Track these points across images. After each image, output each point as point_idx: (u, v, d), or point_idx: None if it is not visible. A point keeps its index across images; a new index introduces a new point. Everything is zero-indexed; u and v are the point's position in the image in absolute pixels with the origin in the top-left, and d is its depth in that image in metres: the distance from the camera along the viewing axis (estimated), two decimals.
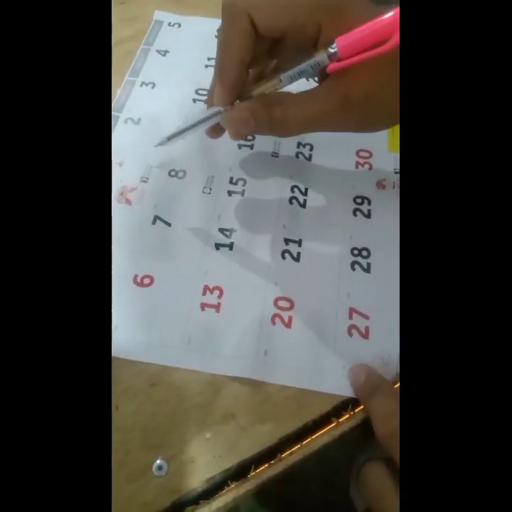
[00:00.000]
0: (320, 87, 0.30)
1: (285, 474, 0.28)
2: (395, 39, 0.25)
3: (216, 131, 0.34)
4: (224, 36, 0.29)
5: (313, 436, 0.28)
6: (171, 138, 0.33)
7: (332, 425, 0.29)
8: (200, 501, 0.27)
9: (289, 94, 0.30)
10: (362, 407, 0.29)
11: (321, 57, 0.28)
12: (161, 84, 0.44)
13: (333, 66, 0.28)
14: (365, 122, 0.31)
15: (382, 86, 0.28)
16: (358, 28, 0.27)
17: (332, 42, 0.27)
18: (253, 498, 0.27)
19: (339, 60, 0.28)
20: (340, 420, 0.29)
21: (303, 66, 0.29)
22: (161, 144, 0.34)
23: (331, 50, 0.27)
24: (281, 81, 0.30)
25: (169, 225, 0.36)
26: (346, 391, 0.30)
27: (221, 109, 0.30)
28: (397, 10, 0.25)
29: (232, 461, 0.28)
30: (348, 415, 0.29)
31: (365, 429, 0.29)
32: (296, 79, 0.30)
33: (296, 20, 0.28)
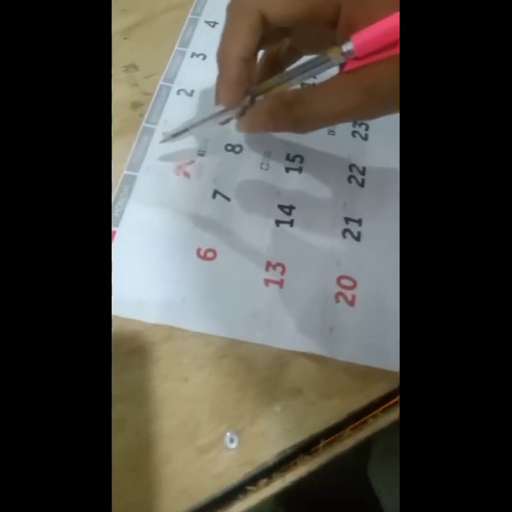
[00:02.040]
0: (341, 77, 0.27)
1: (355, 449, 0.28)
2: None
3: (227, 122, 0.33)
4: (227, 31, 0.28)
5: (382, 413, 0.29)
6: (176, 135, 0.33)
7: (398, 402, 0.29)
8: (273, 475, 0.27)
9: (308, 89, 0.28)
10: None
11: (335, 56, 0.26)
12: (211, 56, 0.43)
13: (350, 65, 0.26)
14: (392, 108, 0.28)
15: None
16: (376, 22, 0.24)
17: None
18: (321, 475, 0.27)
19: (356, 58, 0.25)
20: None
21: (316, 69, 0.28)
22: (165, 140, 0.34)
23: (346, 49, 0.25)
24: (292, 83, 0.29)
25: (229, 199, 0.35)
26: None
27: (226, 106, 0.30)
28: None
29: (302, 435, 0.28)
30: None
31: None
32: (308, 78, 0.29)
33: (313, 3, 0.26)
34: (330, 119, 0.29)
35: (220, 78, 0.29)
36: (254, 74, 0.31)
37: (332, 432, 0.28)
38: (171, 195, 0.35)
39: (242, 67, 0.28)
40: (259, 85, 0.30)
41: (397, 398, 0.29)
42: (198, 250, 0.33)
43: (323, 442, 0.28)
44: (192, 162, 0.37)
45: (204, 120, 0.31)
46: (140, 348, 0.30)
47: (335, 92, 0.27)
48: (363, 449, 0.30)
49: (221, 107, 0.30)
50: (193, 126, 0.33)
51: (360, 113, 0.29)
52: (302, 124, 0.29)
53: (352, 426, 0.28)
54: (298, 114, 0.28)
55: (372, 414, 0.29)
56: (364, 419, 0.29)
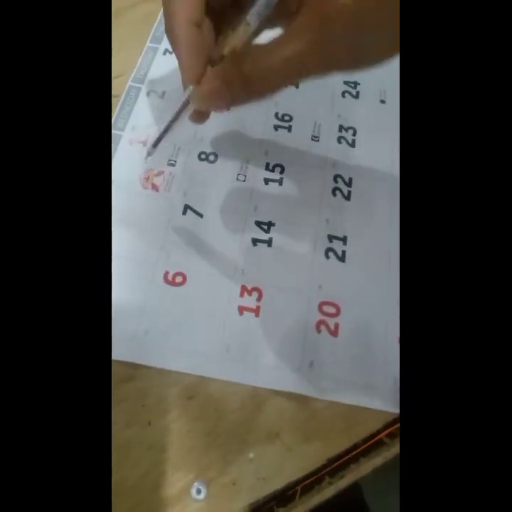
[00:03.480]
0: (292, 23, 0.23)
1: (336, 498, 0.25)
2: None
3: (200, 115, 0.28)
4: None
5: (364, 458, 0.26)
6: (156, 144, 0.28)
7: (384, 445, 0.27)
8: None
9: (258, 44, 0.24)
10: None
11: None
12: None
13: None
14: (356, 50, 0.23)
15: None
16: None
17: None
18: None
19: None
20: (393, 440, 0.27)
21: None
22: (150, 154, 0.28)
23: None
24: (248, 24, 0.24)
25: (201, 216, 0.32)
26: (398, 407, 0.27)
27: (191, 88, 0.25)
28: None
29: (277, 483, 0.25)
30: (399, 434, 0.27)
31: None
32: (264, 14, 0.24)
33: None
34: (286, 70, 0.23)
35: (178, 55, 0.24)
36: (210, 39, 0.26)
37: (311, 480, 0.26)
38: (137, 211, 0.32)
39: (195, 33, 0.24)
40: (214, 48, 0.25)
41: (382, 440, 0.27)
42: (166, 274, 0.30)
43: (300, 488, 0.25)
44: (161, 173, 0.33)
45: (177, 114, 0.26)
46: None
47: (286, 36, 0.23)
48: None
49: (187, 92, 0.25)
50: (169, 126, 0.27)
51: (321, 55, 0.23)
52: (255, 84, 0.24)
53: (332, 472, 0.26)
54: (249, 70, 0.23)
55: (354, 457, 0.26)
56: (345, 463, 0.26)
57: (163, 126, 0.27)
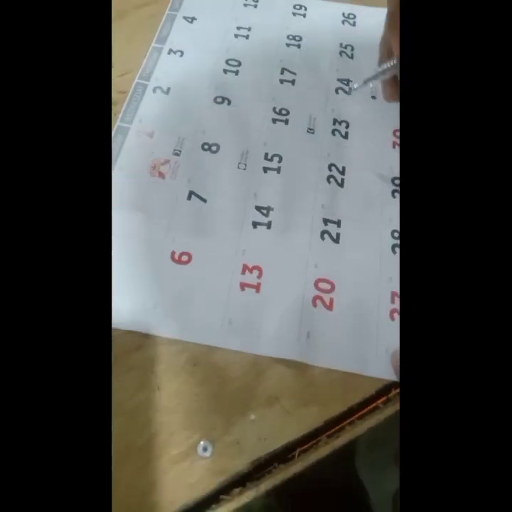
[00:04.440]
0: None
1: (332, 457, 0.27)
2: None
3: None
4: None
5: (359, 420, 0.28)
6: (367, 81, 0.35)
7: (376, 409, 0.29)
8: (247, 483, 0.26)
9: None
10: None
11: None
12: (189, 53, 0.42)
13: None
14: None
15: None
16: None
17: None
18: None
19: None
20: (385, 404, 0.29)
21: None
22: (354, 89, 0.36)
23: None
24: None
25: (205, 201, 0.34)
26: (389, 375, 0.29)
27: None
28: None
29: (277, 443, 0.27)
30: (390, 399, 0.29)
31: None
32: None
33: None
34: None
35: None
36: None
37: (308, 440, 0.28)
38: (145, 197, 0.34)
39: None
40: None
41: (375, 404, 0.29)
42: (173, 254, 0.32)
43: (299, 450, 0.27)
44: (167, 162, 0.36)
45: (383, 72, 0.34)
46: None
47: None
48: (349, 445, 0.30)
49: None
50: (376, 77, 0.34)
51: None
52: None
53: (329, 433, 0.28)
54: None
55: (349, 421, 0.28)
56: (341, 426, 0.28)
57: (373, 75, 0.35)
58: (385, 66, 0.34)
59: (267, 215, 0.34)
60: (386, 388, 0.29)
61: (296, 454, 0.27)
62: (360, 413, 0.29)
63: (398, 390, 0.29)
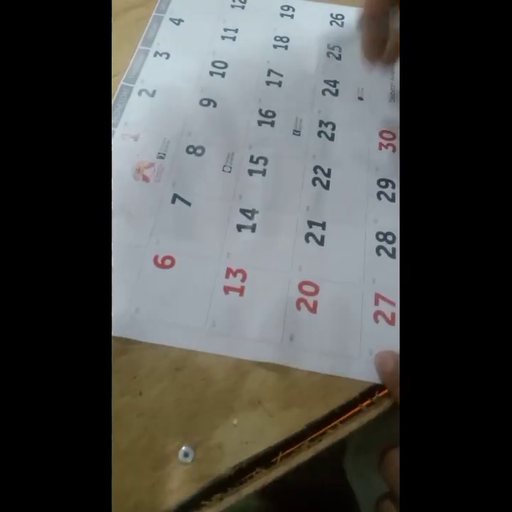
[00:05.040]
0: None
1: (313, 461, 0.27)
2: None
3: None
4: None
5: (342, 423, 0.28)
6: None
7: (359, 412, 0.29)
8: (228, 488, 0.26)
9: None
10: (386, 392, 0.29)
11: None
12: (175, 55, 0.42)
13: None
14: None
15: None
16: None
17: None
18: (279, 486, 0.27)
19: None
20: (368, 407, 0.29)
21: None
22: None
23: None
24: None
25: (189, 204, 0.34)
26: (373, 377, 0.29)
27: None
28: None
29: (259, 447, 0.27)
30: (374, 402, 0.29)
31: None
32: None
33: None
34: None
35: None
36: None
37: (291, 444, 0.28)
38: (129, 200, 0.34)
39: None
40: None
41: (359, 407, 0.29)
42: (155, 258, 0.32)
43: (281, 454, 0.27)
44: (152, 165, 0.36)
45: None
46: None
47: None
48: (338, 446, 0.30)
49: None
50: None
51: None
52: None
53: (311, 437, 0.28)
54: None
55: (333, 424, 0.28)
56: (324, 429, 0.28)
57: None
58: None
59: (251, 218, 0.34)
60: (370, 391, 0.29)
61: (279, 458, 0.27)
62: (343, 416, 0.28)
63: (382, 393, 0.29)
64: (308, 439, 0.28)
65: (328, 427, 0.28)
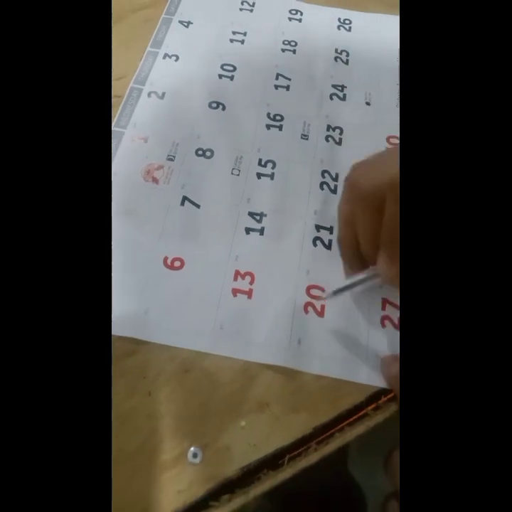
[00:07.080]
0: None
1: (320, 464, 0.28)
2: None
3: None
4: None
5: (349, 427, 0.28)
6: (336, 293, 0.31)
7: (365, 415, 0.29)
8: (236, 490, 0.26)
9: None
10: (391, 395, 0.29)
11: None
12: (184, 58, 0.42)
13: None
14: None
15: None
16: None
17: None
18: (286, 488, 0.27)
19: None
20: (375, 411, 0.29)
21: None
22: (326, 298, 0.32)
23: None
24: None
25: (198, 206, 0.34)
26: (380, 382, 0.29)
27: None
28: None
29: (267, 449, 0.27)
30: (380, 406, 0.29)
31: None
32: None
33: None
34: None
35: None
36: None
37: (298, 447, 0.28)
38: (138, 202, 0.34)
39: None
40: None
41: (365, 411, 0.29)
42: (165, 259, 0.32)
43: (288, 456, 0.27)
44: (161, 167, 0.36)
45: (361, 281, 0.30)
46: None
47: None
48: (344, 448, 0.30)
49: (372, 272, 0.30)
50: (353, 284, 0.31)
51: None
52: None
53: (318, 440, 0.28)
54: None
55: (339, 427, 0.28)
56: (330, 432, 0.28)
57: (349, 282, 0.31)
58: (360, 276, 0.30)
59: (260, 221, 0.34)
60: (376, 395, 0.29)
61: (286, 461, 0.27)
62: (349, 420, 0.29)
63: (388, 397, 0.29)
64: (315, 441, 0.28)
65: (335, 429, 0.28)
